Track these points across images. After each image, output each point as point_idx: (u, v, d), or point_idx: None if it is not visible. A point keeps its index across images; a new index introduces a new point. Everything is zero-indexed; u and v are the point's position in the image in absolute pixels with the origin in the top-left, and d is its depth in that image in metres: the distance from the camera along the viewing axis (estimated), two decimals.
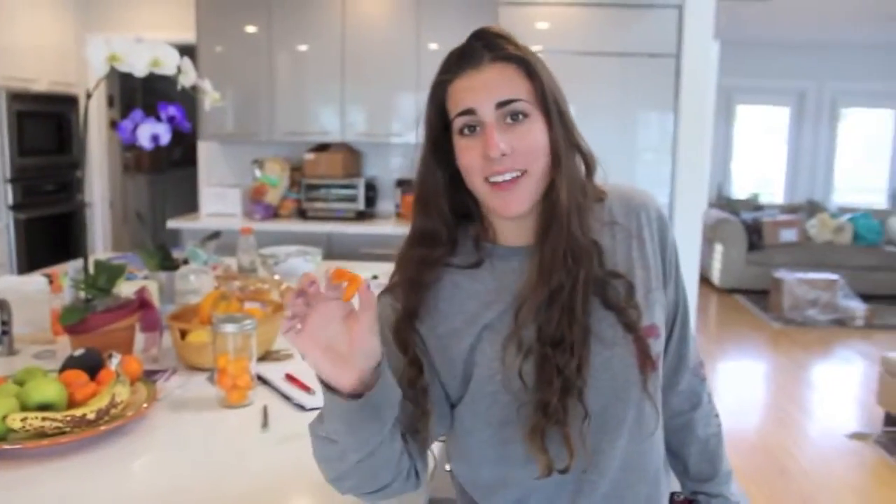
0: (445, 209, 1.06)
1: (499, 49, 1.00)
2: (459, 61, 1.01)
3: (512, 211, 1.00)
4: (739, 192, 8.56)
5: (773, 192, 8.58)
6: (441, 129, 1.03)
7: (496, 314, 1.03)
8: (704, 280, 7.20)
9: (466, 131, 1.00)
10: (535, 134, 0.99)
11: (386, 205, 4.97)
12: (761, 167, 8.73)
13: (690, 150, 4.23)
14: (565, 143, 1.01)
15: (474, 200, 1.06)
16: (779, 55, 8.05)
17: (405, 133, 4.61)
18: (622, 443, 1.05)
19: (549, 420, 0.98)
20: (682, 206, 4.24)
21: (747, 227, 7.26)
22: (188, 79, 1.81)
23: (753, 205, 8.00)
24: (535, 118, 0.99)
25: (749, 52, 7.88)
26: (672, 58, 4.13)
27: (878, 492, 3.29)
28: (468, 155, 0.99)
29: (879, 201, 8.37)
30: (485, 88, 0.98)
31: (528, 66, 1.00)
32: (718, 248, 7.27)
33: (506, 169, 0.98)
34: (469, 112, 0.98)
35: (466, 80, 1.00)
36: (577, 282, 0.99)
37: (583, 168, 1.05)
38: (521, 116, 0.98)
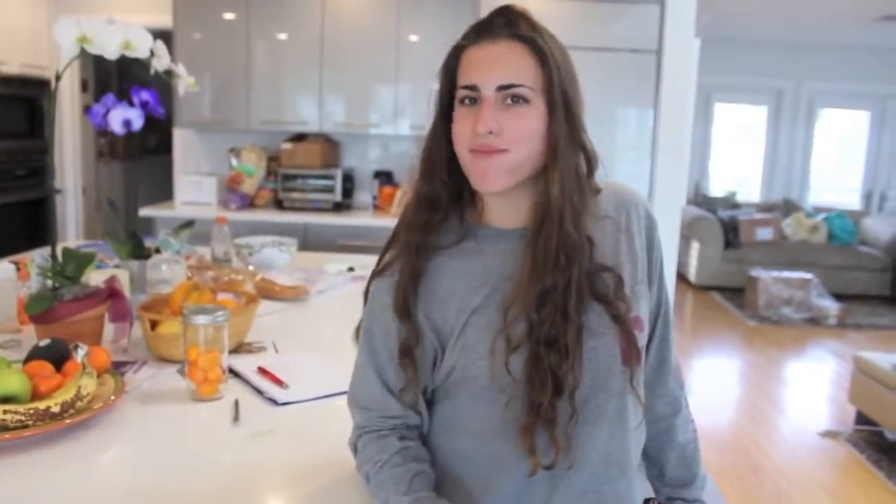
0: (446, 176, 1.06)
1: (517, 28, 1.00)
2: (478, 31, 1.02)
3: (488, 183, 1.00)
4: (717, 190, 8.61)
5: (749, 190, 8.64)
6: (449, 95, 1.05)
7: (482, 298, 1.02)
8: (681, 277, 7.24)
9: (467, 101, 1.01)
10: (529, 120, 0.98)
11: (363, 196, 4.93)
12: (738, 166, 8.78)
13: (670, 148, 4.24)
14: (566, 139, 1.00)
15: (464, 180, 1.06)
16: (757, 54, 8.09)
17: (384, 124, 4.58)
18: (602, 435, 1.04)
19: (539, 419, 0.97)
20: (661, 204, 4.25)
21: (724, 226, 7.31)
22: (161, 63, 1.77)
23: (730, 203, 8.05)
24: (536, 106, 0.99)
25: (728, 50, 7.91)
26: (653, 54, 4.13)
27: (849, 489, 3.31)
28: (460, 125, 1.01)
29: (854, 202, 8.46)
30: (493, 65, 0.99)
31: (541, 53, 0.99)
32: (695, 246, 7.30)
33: (489, 147, 0.98)
34: (472, 87, 0.99)
35: (479, 51, 1.00)
36: (570, 281, 0.98)
37: (584, 166, 1.04)
38: (520, 101, 0.98)
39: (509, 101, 0.98)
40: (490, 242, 1.06)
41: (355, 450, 1.13)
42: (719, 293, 7.04)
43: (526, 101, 0.98)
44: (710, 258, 7.22)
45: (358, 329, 1.14)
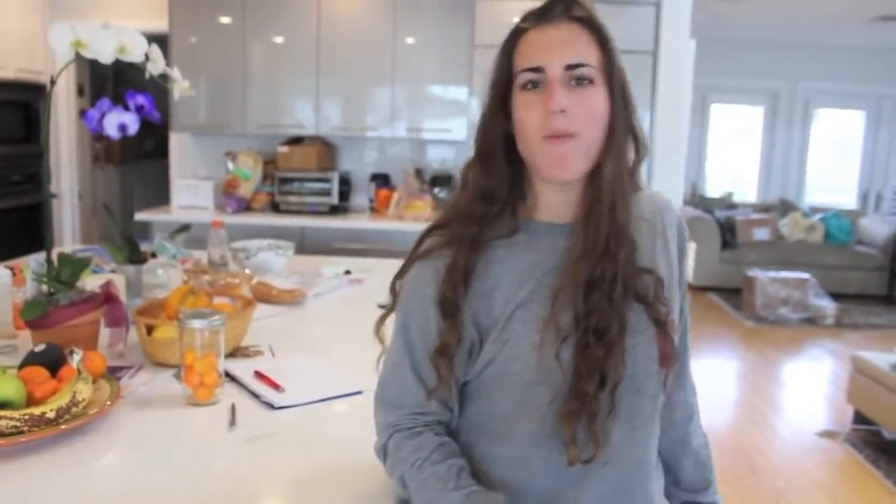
0: (505, 166, 1.05)
1: (577, 11, 1.01)
2: (538, 15, 1.02)
3: (563, 170, 0.99)
4: (713, 190, 8.61)
5: (746, 191, 8.65)
6: (506, 82, 1.03)
7: (528, 292, 1.01)
8: None
9: (529, 86, 1.00)
10: (596, 100, 0.99)
11: (360, 199, 4.93)
12: (735, 166, 8.79)
13: (666, 148, 4.24)
14: (622, 123, 1.01)
15: (519, 171, 1.05)
16: (753, 55, 8.10)
17: (380, 127, 4.58)
18: (635, 435, 1.05)
19: (584, 410, 0.97)
20: None
21: (721, 226, 7.31)
22: (157, 67, 1.76)
23: (727, 203, 8.05)
24: (599, 87, 1.00)
25: (724, 51, 7.92)
26: (649, 55, 4.13)
27: (847, 489, 3.31)
28: (527, 110, 1.00)
29: (850, 201, 8.47)
30: (557, 46, 0.99)
31: (602, 37, 1.01)
32: (692, 247, 7.31)
33: (562, 131, 0.97)
34: (536, 69, 0.99)
35: (541, 34, 1.00)
36: (617, 270, 0.99)
37: (632, 155, 1.05)
38: (585, 81, 0.99)
39: (574, 82, 0.98)
40: (540, 237, 1.05)
41: (384, 452, 1.09)
42: (716, 294, 7.05)
43: (591, 81, 0.99)
44: (707, 259, 7.23)
45: (381, 320, 1.12)
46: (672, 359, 1.05)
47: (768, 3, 6.11)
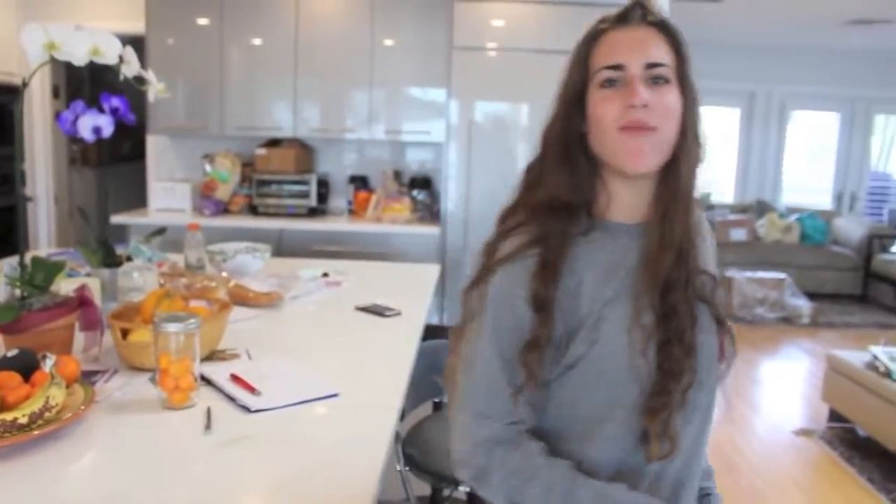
0: (585, 163, 1.08)
1: (655, 15, 1.06)
2: (617, 18, 1.07)
3: (640, 161, 1.02)
4: None
5: (723, 191, 8.71)
6: (582, 82, 1.06)
7: (612, 291, 1.03)
8: None
9: (607, 84, 1.03)
10: (672, 99, 1.03)
11: (338, 201, 4.92)
12: (712, 167, 8.85)
13: None
14: (692, 124, 1.05)
15: (593, 171, 1.08)
16: (729, 58, 8.16)
17: (358, 129, 4.57)
18: (694, 430, 1.08)
19: (665, 408, 1.01)
20: None
21: None
22: (131, 69, 1.75)
23: (705, 204, 8.08)
24: (674, 87, 1.04)
25: (700, 54, 7.88)
26: None
27: (823, 487, 3.35)
28: (606, 105, 1.03)
29: (825, 202, 8.55)
30: (638, 46, 1.03)
31: (676, 41, 1.06)
32: None
33: (642, 123, 1.01)
34: (617, 67, 1.03)
35: (620, 34, 1.05)
36: (689, 269, 1.04)
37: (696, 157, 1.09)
38: (662, 81, 1.03)
39: (651, 81, 1.02)
40: (615, 236, 1.08)
41: (483, 470, 1.06)
42: None
43: (667, 81, 1.03)
44: None
45: (460, 334, 1.10)
46: (727, 355, 1.10)
47: (744, 6, 6.16)
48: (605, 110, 1.02)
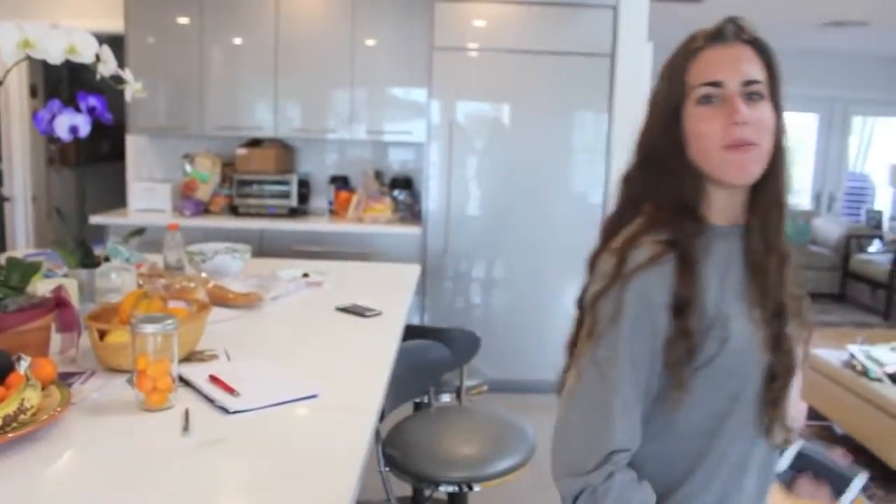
0: (688, 171, 1.11)
1: (746, 34, 1.10)
2: (712, 36, 1.10)
3: (747, 173, 1.07)
4: None
5: None
6: (678, 97, 1.10)
7: (732, 292, 1.09)
8: None
9: (704, 101, 1.07)
10: (767, 113, 1.08)
11: (319, 202, 4.91)
12: None
13: (624, 151, 4.27)
14: (783, 135, 1.11)
15: (695, 176, 1.11)
16: None
17: (340, 129, 4.56)
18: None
19: (779, 399, 1.10)
20: None
21: None
22: (108, 68, 1.74)
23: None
24: (767, 103, 1.08)
25: None
26: (607, 57, 4.17)
27: None
28: (706, 123, 1.07)
29: (804, 202, 8.63)
30: (735, 64, 1.07)
31: (768, 57, 1.10)
32: None
33: (748, 137, 1.05)
34: (715, 84, 1.07)
35: (716, 53, 1.09)
36: (788, 266, 1.12)
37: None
38: (757, 97, 1.07)
39: (747, 97, 1.06)
40: (720, 238, 1.12)
41: (592, 492, 1.05)
42: None
43: (762, 96, 1.07)
44: None
45: (599, 344, 1.07)
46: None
47: (723, 7, 6.20)
48: (706, 128, 1.07)
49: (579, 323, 1.14)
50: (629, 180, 1.18)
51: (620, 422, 1.05)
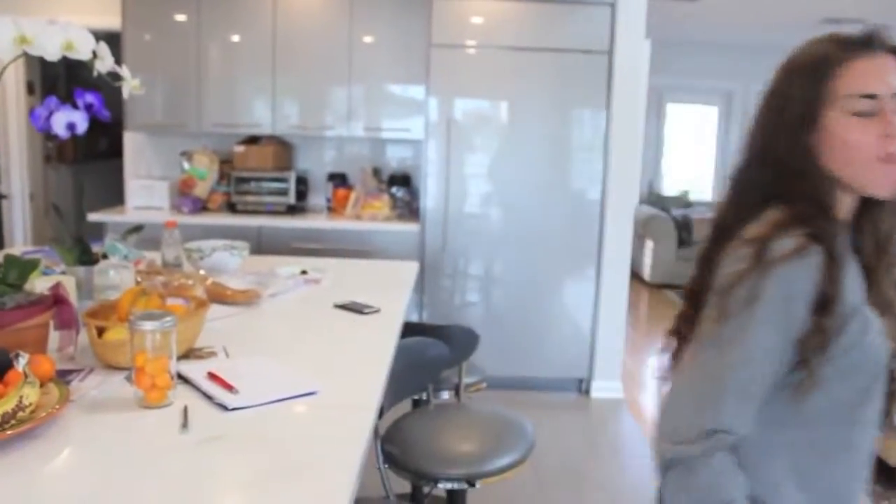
0: (818, 170, 1.12)
1: (889, 44, 1.11)
2: (858, 45, 1.10)
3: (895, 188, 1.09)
4: (670, 189, 8.72)
5: (702, 189, 8.78)
6: (816, 102, 1.10)
7: (862, 282, 1.13)
8: (635, 275, 7.32)
9: (858, 112, 1.08)
10: None
11: (317, 199, 4.91)
12: (691, 165, 8.92)
13: (622, 148, 4.28)
14: None
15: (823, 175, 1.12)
16: (707, 56, 8.23)
17: (337, 126, 4.56)
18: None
19: None
20: (614, 203, 4.30)
21: (677, 224, 7.41)
22: (105, 65, 1.73)
23: (684, 202, 8.17)
24: None
25: (679, 52, 8.02)
26: (604, 55, 4.17)
27: None
28: (860, 133, 1.08)
29: None
30: (887, 75, 1.08)
31: None
32: (649, 245, 7.40)
33: None
34: (870, 96, 1.07)
35: (867, 64, 1.09)
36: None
37: None
38: None
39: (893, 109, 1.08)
40: (846, 232, 1.15)
41: (687, 463, 1.06)
42: (673, 291, 7.14)
43: None
44: (663, 256, 7.32)
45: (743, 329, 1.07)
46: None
47: (720, 5, 6.22)
48: (860, 139, 1.07)
49: (684, 316, 1.21)
50: (746, 181, 1.19)
51: (732, 402, 1.06)
